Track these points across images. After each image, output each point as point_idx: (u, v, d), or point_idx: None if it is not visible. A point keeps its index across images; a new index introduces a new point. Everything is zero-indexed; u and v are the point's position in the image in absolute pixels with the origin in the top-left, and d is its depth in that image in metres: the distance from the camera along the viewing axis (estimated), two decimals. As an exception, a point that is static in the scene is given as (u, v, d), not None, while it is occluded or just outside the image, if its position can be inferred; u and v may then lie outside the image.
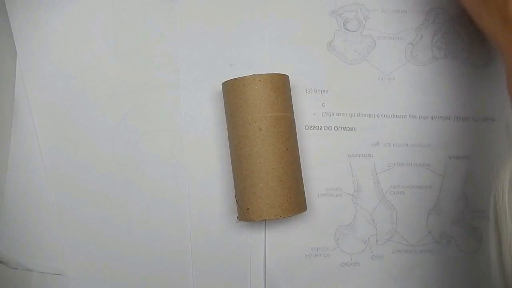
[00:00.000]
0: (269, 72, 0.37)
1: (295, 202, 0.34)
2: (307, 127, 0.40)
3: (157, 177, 0.39)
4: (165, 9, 0.40)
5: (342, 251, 0.39)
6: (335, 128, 0.40)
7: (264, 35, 0.40)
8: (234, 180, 0.36)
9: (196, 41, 0.40)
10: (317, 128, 0.40)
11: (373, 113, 0.40)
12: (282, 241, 0.39)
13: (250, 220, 0.34)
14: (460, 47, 0.40)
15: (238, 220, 0.36)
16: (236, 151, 0.35)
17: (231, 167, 0.36)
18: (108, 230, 0.39)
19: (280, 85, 0.35)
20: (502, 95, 0.40)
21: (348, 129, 0.40)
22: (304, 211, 0.36)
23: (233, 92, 0.35)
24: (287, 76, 0.36)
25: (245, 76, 0.34)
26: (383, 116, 0.40)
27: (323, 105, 0.40)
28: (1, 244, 0.38)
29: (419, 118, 0.40)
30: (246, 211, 0.34)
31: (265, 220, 0.35)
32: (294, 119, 0.36)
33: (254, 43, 0.40)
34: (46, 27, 0.40)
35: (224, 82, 0.36)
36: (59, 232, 0.39)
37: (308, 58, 0.40)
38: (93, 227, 0.39)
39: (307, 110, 0.40)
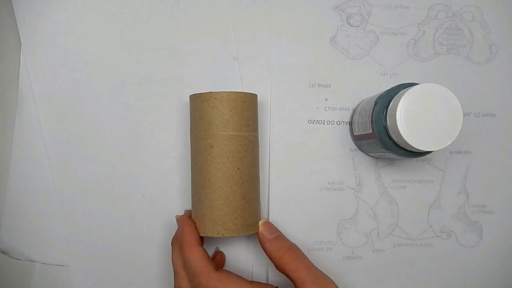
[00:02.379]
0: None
1: (241, 223, 0.34)
2: (310, 121, 0.40)
3: (160, 170, 0.39)
4: (170, 2, 0.40)
5: (344, 244, 0.39)
6: (338, 123, 0.40)
7: (268, 29, 0.40)
8: (191, 192, 0.36)
9: (200, 35, 0.40)
10: (319, 122, 0.40)
11: (376, 108, 0.40)
12: (285, 235, 0.39)
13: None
14: (462, 43, 0.41)
15: None
16: (191, 165, 0.35)
17: None
18: (111, 222, 0.39)
19: (238, 104, 0.34)
20: (504, 91, 0.40)
21: (350, 123, 0.40)
22: (253, 232, 0.35)
23: (193, 106, 0.35)
24: (252, 95, 0.35)
25: (203, 92, 0.34)
26: (385, 111, 0.40)
27: (326, 100, 0.40)
28: (5, 235, 0.38)
29: (421, 113, 0.40)
30: (195, 224, 0.34)
31: (210, 236, 0.35)
32: (255, 139, 0.35)
33: (258, 37, 0.40)
34: (51, 18, 0.40)
35: (190, 95, 0.36)
36: (61, 223, 0.39)
37: (311, 53, 0.40)
38: (96, 219, 0.39)
39: (310, 104, 0.40)
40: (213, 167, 0.33)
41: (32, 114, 0.39)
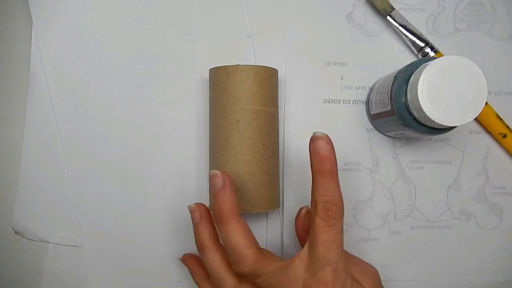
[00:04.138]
0: (257, 63, 0.36)
1: (265, 199, 0.33)
2: (325, 101, 0.39)
3: (173, 149, 0.39)
4: (182, -21, 0.39)
5: (360, 226, 0.39)
6: (354, 102, 0.39)
7: (282, 5, 0.39)
8: (209, 169, 0.35)
9: (213, 11, 0.39)
10: (335, 101, 0.39)
11: (393, 86, 0.39)
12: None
13: None
14: (483, 19, 0.39)
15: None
16: (212, 140, 0.35)
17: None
18: (124, 202, 0.38)
19: (265, 78, 0.34)
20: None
21: (367, 102, 0.39)
22: (276, 209, 0.35)
23: (215, 80, 0.34)
24: (275, 70, 0.35)
25: (228, 65, 0.33)
26: (403, 89, 0.39)
27: (341, 78, 0.39)
28: (18, 216, 0.38)
29: (440, 92, 0.39)
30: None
31: None
32: (277, 115, 0.35)
33: (272, 14, 0.39)
34: (61, -4, 0.39)
35: (210, 69, 0.35)
36: (74, 204, 0.38)
37: (327, 30, 0.39)
38: (109, 199, 0.38)
39: (326, 83, 0.39)
40: (239, 142, 0.33)
41: (44, 93, 0.38)
